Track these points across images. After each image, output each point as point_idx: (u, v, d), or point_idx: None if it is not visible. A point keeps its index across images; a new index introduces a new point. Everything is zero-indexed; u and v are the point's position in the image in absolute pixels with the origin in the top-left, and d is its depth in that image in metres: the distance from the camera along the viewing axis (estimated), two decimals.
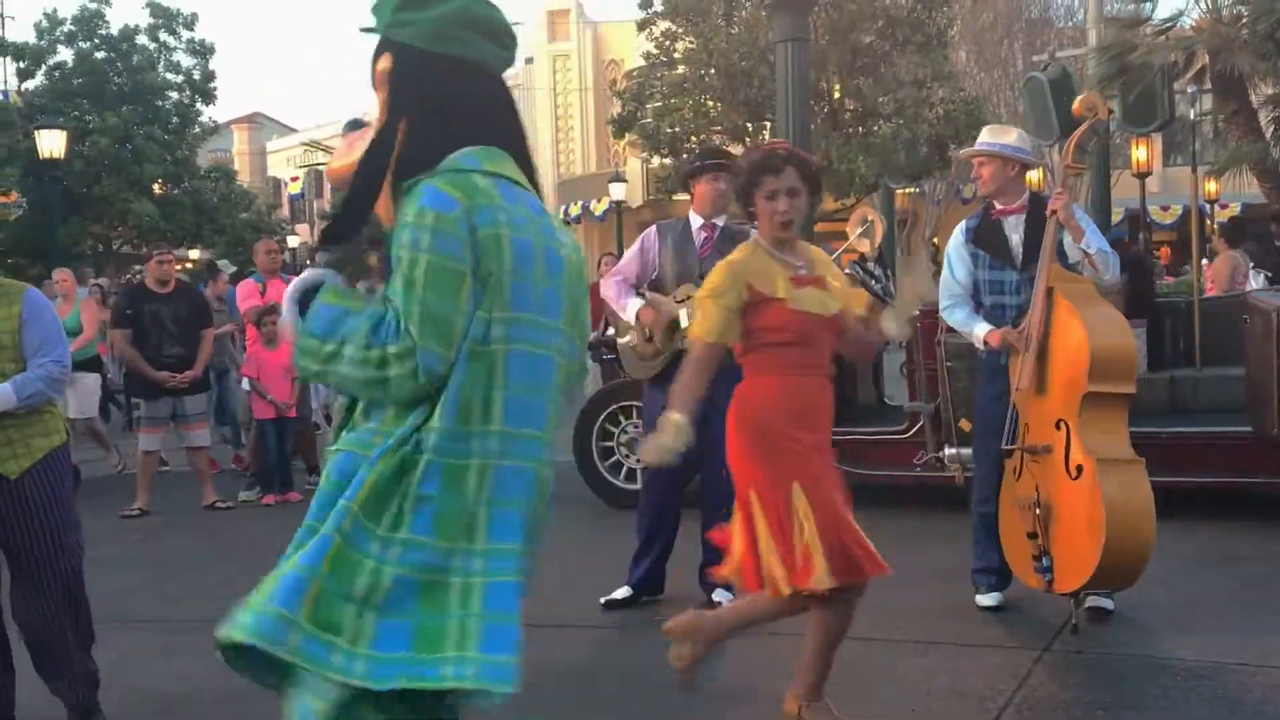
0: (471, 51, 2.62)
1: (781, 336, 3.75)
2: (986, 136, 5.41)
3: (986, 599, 5.25)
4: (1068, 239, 5.00)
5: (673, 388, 3.79)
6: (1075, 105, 5.39)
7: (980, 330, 5.18)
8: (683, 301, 5.43)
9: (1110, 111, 10.45)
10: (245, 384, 9.72)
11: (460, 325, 2.42)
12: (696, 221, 5.60)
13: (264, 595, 2.52)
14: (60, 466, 4.21)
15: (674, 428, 3.57)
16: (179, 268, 13.81)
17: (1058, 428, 4.73)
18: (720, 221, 5.60)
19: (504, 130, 2.65)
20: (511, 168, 2.60)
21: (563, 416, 2.73)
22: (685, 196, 6.93)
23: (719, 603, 5.39)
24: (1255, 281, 9.88)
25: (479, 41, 2.63)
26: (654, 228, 5.78)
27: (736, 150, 25.31)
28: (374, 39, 2.68)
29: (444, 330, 2.39)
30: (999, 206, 5.31)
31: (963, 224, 5.50)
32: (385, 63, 2.62)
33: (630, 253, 5.80)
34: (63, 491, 4.20)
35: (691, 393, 3.70)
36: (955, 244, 5.40)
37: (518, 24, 3.11)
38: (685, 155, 21.76)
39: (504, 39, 2.69)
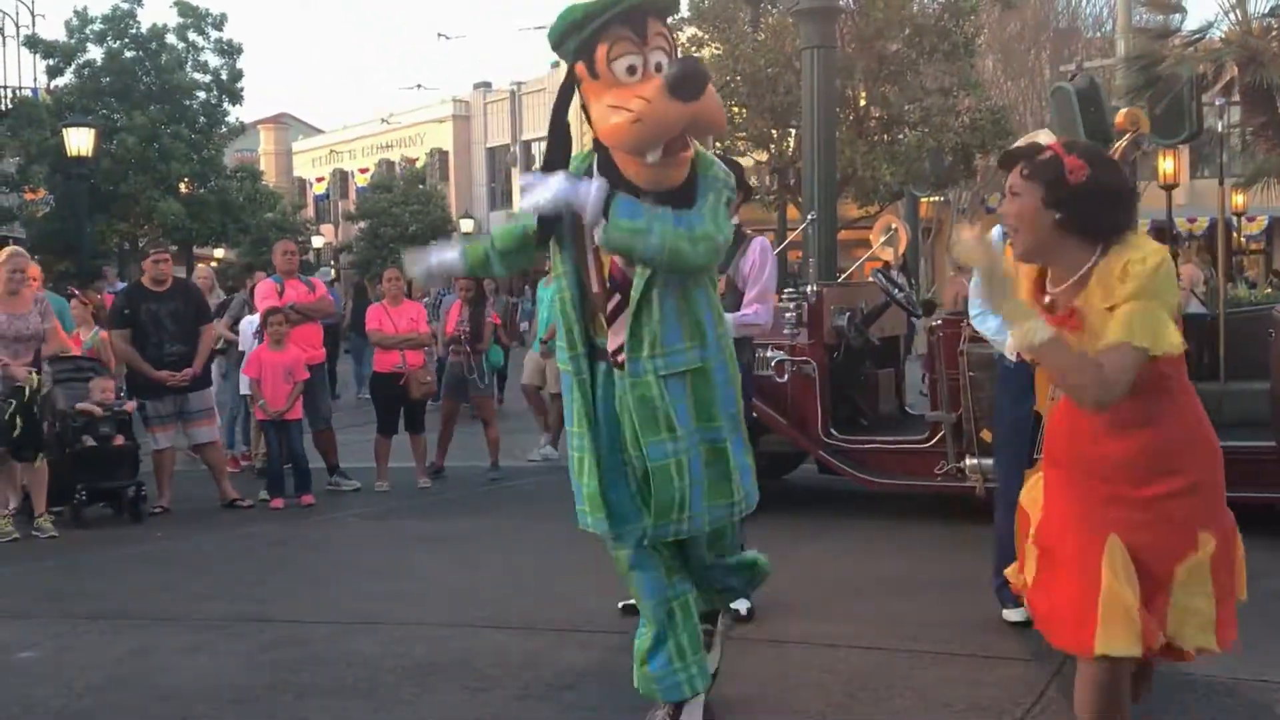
0: None
1: None
2: (1031, 141, 5.33)
3: (1014, 614, 5.21)
4: None
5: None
6: (1119, 118, 5.31)
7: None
8: None
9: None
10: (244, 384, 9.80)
11: None
12: None
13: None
14: None
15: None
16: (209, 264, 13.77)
17: None
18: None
19: None
20: None
21: None
22: None
23: (736, 609, 5.38)
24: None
25: None
26: None
27: (761, 157, 25.39)
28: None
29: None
30: None
31: (997, 230, 5.41)
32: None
33: None
34: None
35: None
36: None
37: (543, 27, 3.26)
38: None
39: None
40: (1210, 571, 3.10)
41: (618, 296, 3.60)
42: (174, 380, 8.79)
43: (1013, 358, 5.13)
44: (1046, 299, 3.13)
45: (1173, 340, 2.92)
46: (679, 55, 3.39)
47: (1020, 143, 5.45)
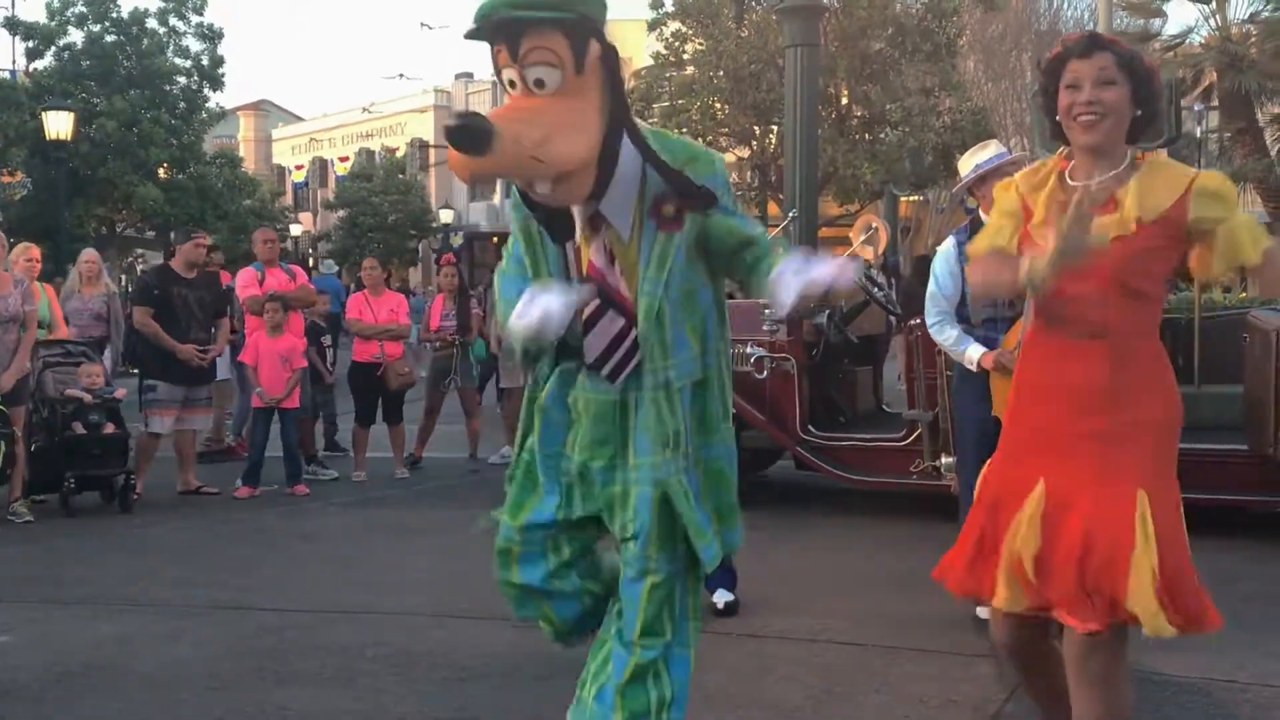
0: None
1: None
2: (985, 154, 5.39)
3: (987, 611, 5.25)
4: None
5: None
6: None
7: (974, 352, 5.15)
8: None
9: None
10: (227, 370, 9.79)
11: None
12: None
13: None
14: None
15: None
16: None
17: None
18: None
19: None
20: None
21: None
22: None
23: (720, 604, 5.40)
24: None
25: None
26: None
27: (742, 153, 25.36)
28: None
29: None
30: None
31: (952, 239, 5.48)
32: (597, 48, 2.95)
33: None
34: None
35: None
36: (946, 257, 5.34)
37: None
38: None
39: None
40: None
41: (596, 301, 3.12)
42: (199, 359, 8.83)
43: (973, 367, 5.18)
44: (1093, 182, 3.00)
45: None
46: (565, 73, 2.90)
47: (970, 153, 5.53)
